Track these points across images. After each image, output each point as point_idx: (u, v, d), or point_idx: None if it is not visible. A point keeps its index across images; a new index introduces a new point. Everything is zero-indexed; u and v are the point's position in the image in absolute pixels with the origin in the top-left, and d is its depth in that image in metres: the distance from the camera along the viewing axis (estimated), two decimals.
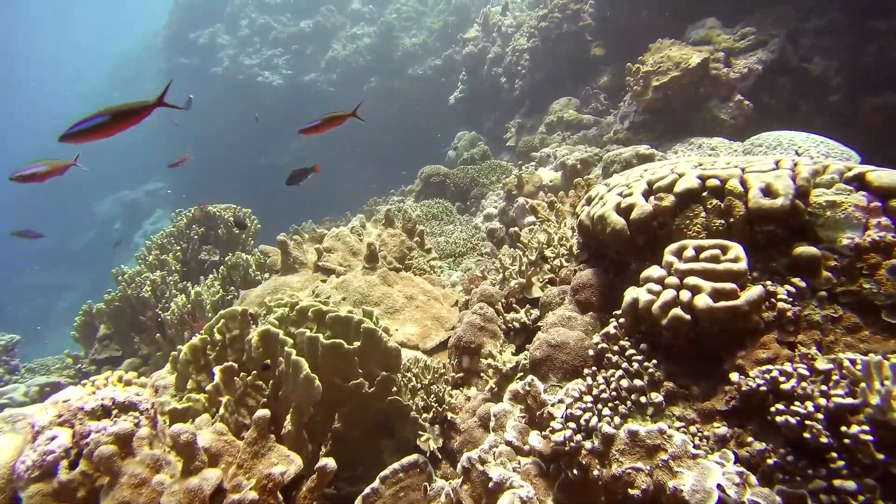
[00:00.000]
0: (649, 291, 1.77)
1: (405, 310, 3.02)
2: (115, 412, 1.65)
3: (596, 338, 2.01)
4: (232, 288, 4.90)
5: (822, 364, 1.38)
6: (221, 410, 2.07)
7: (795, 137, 3.77)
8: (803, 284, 1.64)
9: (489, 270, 2.83)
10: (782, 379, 1.37)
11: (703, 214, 1.90)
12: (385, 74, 16.83)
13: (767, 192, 1.78)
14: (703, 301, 1.62)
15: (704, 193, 1.92)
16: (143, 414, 1.73)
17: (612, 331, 1.95)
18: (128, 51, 30.30)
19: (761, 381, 1.39)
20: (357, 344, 2.26)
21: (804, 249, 1.66)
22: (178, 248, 5.34)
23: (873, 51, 5.62)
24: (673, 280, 1.75)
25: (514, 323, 2.43)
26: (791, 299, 1.62)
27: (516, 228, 3.48)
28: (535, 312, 2.48)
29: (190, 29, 19.87)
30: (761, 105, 5.41)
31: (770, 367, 1.44)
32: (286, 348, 2.06)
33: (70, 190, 29.32)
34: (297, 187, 3.56)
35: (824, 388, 1.31)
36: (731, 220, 1.83)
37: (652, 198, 2.05)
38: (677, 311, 1.65)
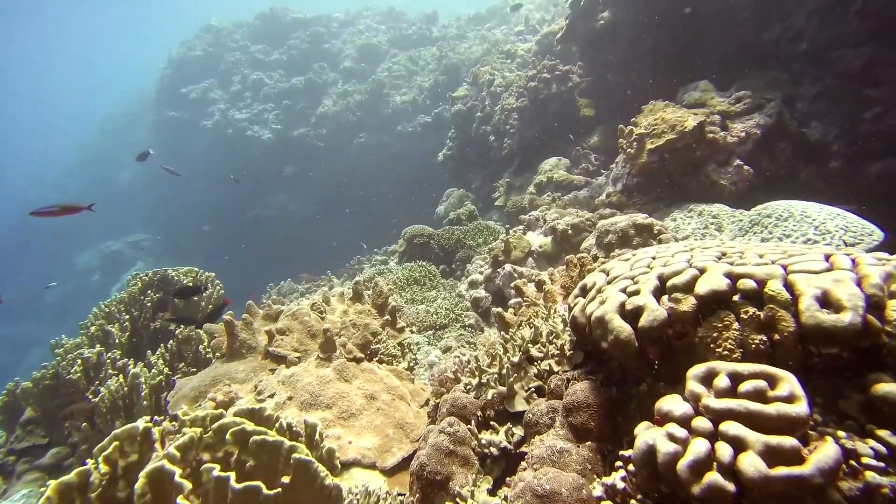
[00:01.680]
0: (671, 438, 1.27)
1: (363, 414, 2.48)
2: None
3: (597, 489, 1.49)
4: (182, 365, 4.33)
5: None
6: None
7: (809, 209, 3.40)
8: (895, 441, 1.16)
9: (464, 369, 2.32)
10: None
11: (737, 326, 1.44)
12: (375, 130, 16.86)
13: (826, 302, 1.32)
14: (752, 466, 1.12)
15: (736, 297, 1.47)
16: None
17: (620, 483, 1.44)
18: (122, 102, 30.62)
19: None
20: (286, 479, 1.73)
21: (890, 389, 1.19)
22: (128, 317, 4.78)
23: (871, 118, 5.41)
24: (703, 424, 1.26)
25: (492, 448, 1.90)
26: (882, 465, 1.13)
27: (500, 310, 3.00)
28: (518, 432, 1.96)
29: (182, 83, 20.05)
30: (761, 170, 5.12)
31: None
32: (179, 499, 1.51)
33: (49, 239, 28.75)
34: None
35: None
36: (776, 336, 1.37)
37: (666, 298, 1.60)
38: (715, 477, 1.15)
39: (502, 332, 2.33)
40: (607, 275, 2.00)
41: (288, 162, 17.50)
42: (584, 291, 2.08)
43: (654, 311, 1.55)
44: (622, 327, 1.61)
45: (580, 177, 7.67)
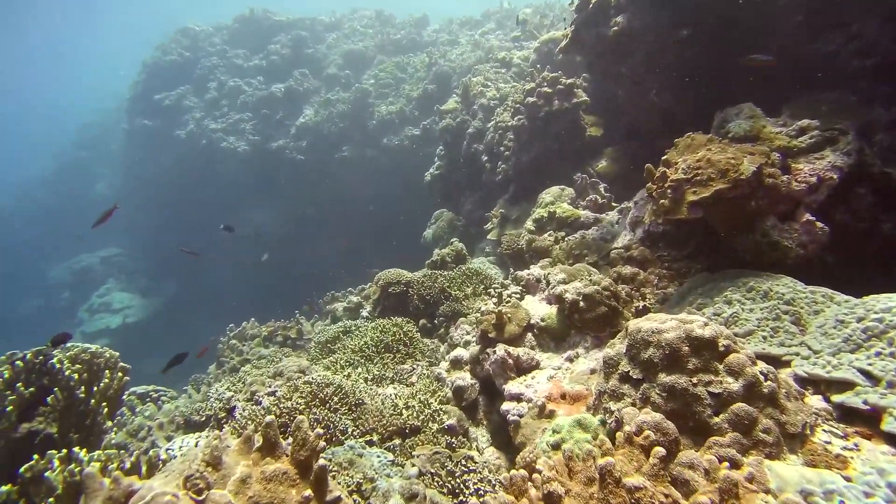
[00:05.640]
0: None
1: None
2: None
3: None
4: None
5: None
6: None
7: None
8: None
9: None
10: None
11: None
12: (358, 143, 15.56)
13: None
14: None
15: None
16: None
17: None
18: (98, 109, 29.24)
19: None
20: None
21: None
22: None
23: None
24: None
25: None
26: None
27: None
28: None
29: (156, 90, 18.75)
30: (832, 223, 3.88)
31: None
32: None
33: (23, 250, 27.29)
34: None
35: None
36: None
37: None
38: None
39: None
40: None
41: (267, 175, 16.16)
42: None
43: None
44: None
45: (587, 212, 6.43)
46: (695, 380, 2.38)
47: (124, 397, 6.11)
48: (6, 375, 3.86)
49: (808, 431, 2.21)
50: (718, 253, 4.12)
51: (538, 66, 9.44)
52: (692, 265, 4.35)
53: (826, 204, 3.82)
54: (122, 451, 4.59)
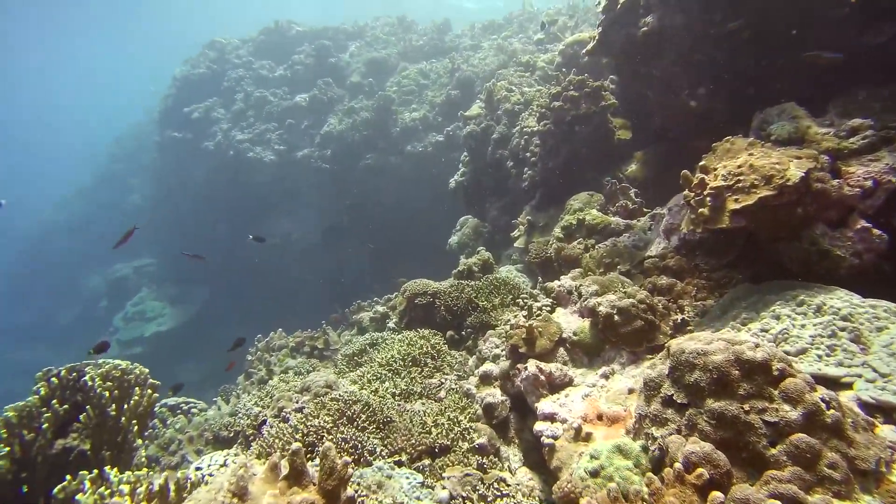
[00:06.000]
0: None
1: None
2: None
3: None
4: None
5: None
6: None
7: None
8: None
9: None
10: None
11: None
12: (382, 150, 15.58)
13: None
14: None
15: None
16: None
17: None
18: (132, 122, 30.16)
19: None
20: None
21: None
22: (9, 447, 3.53)
23: None
24: None
25: None
26: None
27: None
28: None
29: (185, 102, 19.18)
30: (890, 229, 3.61)
31: None
32: None
33: (62, 261, 28.27)
34: None
35: None
36: None
37: None
38: None
39: None
40: None
41: (293, 185, 16.34)
42: None
43: None
44: None
45: (618, 219, 6.22)
46: (747, 406, 2.20)
47: (156, 409, 6.18)
48: (42, 392, 3.90)
49: (884, 468, 2.01)
50: (761, 262, 3.90)
51: (563, 69, 9.26)
52: (733, 275, 4.12)
53: (883, 209, 3.56)
54: (154, 467, 4.61)
